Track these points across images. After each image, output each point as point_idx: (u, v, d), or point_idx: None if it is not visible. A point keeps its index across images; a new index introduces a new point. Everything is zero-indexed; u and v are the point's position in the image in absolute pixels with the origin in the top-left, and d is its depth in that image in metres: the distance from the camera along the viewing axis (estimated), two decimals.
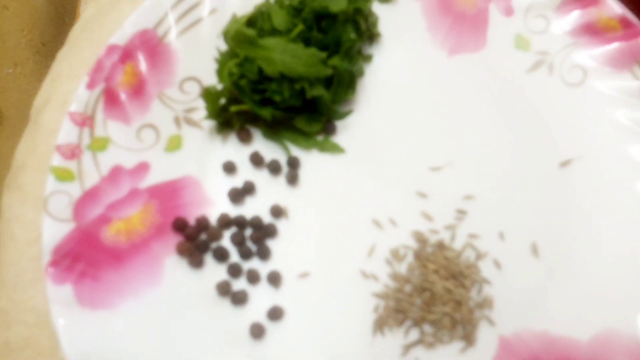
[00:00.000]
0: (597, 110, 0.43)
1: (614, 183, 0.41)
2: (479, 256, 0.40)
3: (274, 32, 0.40)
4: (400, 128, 0.44)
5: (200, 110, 0.43)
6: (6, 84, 0.65)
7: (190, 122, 0.43)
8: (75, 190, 0.40)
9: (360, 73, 0.44)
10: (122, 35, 0.44)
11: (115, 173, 0.41)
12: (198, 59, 0.45)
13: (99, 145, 0.41)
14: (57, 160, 0.40)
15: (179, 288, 0.38)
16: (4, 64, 0.65)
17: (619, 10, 0.44)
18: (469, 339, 0.37)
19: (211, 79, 0.44)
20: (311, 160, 0.43)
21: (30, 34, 0.66)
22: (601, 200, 0.41)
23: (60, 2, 0.71)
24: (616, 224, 0.40)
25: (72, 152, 0.40)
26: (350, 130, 0.44)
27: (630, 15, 0.44)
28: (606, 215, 0.40)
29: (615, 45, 0.44)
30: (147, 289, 0.38)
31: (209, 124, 0.43)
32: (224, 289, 0.39)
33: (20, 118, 0.63)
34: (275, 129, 0.43)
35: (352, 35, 0.42)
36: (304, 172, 0.43)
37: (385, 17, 0.47)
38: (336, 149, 0.43)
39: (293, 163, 0.42)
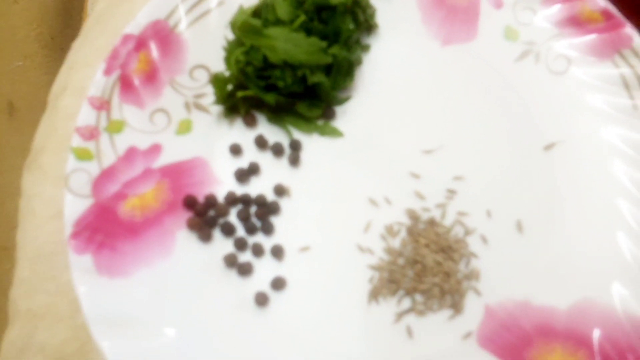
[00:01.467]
0: (579, 97, 0.46)
1: (593, 164, 0.44)
2: (467, 232, 0.43)
3: (278, 22, 0.43)
4: (395, 114, 0.47)
5: (209, 96, 0.46)
6: (16, 76, 0.67)
7: (200, 107, 0.46)
8: (94, 168, 0.43)
9: (359, 62, 0.47)
10: (136, 25, 0.47)
11: (130, 153, 0.44)
12: (207, 48, 0.48)
13: (116, 127, 0.44)
14: (76, 141, 0.43)
15: (189, 259, 0.41)
16: (14, 56, 0.67)
17: (602, 3, 0.47)
18: (456, 308, 0.41)
19: (219, 67, 0.47)
20: (312, 144, 0.46)
21: (39, 28, 0.68)
22: (581, 180, 0.44)
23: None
24: (595, 202, 0.43)
25: (90, 134, 0.43)
26: (348, 115, 0.47)
27: (612, 8, 0.47)
28: (586, 193, 0.43)
29: (597, 36, 0.47)
30: (160, 259, 0.41)
31: (217, 109, 0.46)
32: (231, 261, 0.42)
33: (30, 109, 0.66)
34: (279, 114, 0.46)
35: (351, 26, 0.44)
36: (305, 154, 0.46)
37: (382, 10, 0.50)
38: (335, 132, 0.46)
39: (295, 146, 0.46)
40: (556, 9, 0.48)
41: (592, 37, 0.47)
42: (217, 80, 0.44)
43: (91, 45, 0.53)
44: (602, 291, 0.40)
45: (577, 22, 0.47)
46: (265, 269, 0.42)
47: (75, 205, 0.41)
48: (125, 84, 0.45)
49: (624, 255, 0.41)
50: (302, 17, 0.43)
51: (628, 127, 0.44)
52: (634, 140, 0.44)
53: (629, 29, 0.46)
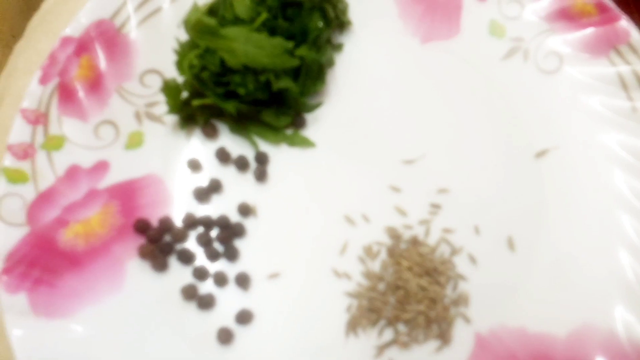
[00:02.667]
0: (573, 98, 0.42)
1: (590, 173, 0.40)
2: (454, 251, 0.39)
3: (237, 21, 0.38)
4: (372, 120, 0.42)
5: (163, 104, 0.41)
6: None
7: (152, 117, 0.41)
8: (28, 192, 0.38)
9: (330, 63, 0.43)
10: (76, 26, 0.41)
11: (72, 173, 0.39)
12: (159, 50, 0.42)
13: (54, 143, 0.39)
14: (8, 161, 0.38)
15: (141, 293, 0.37)
16: None
17: None
18: (444, 338, 0.36)
19: (173, 71, 0.41)
20: (280, 155, 0.41)
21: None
22: (577, 191, 0.40)
23: None
24: (593, 215, 0.39)
25: (25, 152, 0.38)
26: (320, 123, 0.42)
27: (607, 0, 0.43)
28: (583, 206, 0.39)
29: (591, 31, 0.43)
30: (107, 295, 0.36)
31: (172, 118, 0.41)
32: (189, 293, 0.37)
33: None
34: (242, 123, 0.41)
35: (320, 24, 0.40)
36: (272, 168, 0.41)
37: (356, 4, 0.45)
38: (306, 142, 0.41)
39: (261, 159, 0.41)
40: (546, 2, 0.44)
41: (586, 32, 0.43)
42: (168, 88, 0.39)
43: (33, 49, 0.48)
44: (603, 316, 0.36)
45: (568, 16, 0.43)
46: (229, 301, 0.37)
47: (8, 236, 0.36)
48: (65, 93, 0.40)
49: (627, 274, 0.37)
50: (265, 15, 0.38)
51: (627, 131, 0.40)
52: (634, 145, 0.40)
53: (625, 22, 0.42)
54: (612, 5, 0.42)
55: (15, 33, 0.67)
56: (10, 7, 0.65)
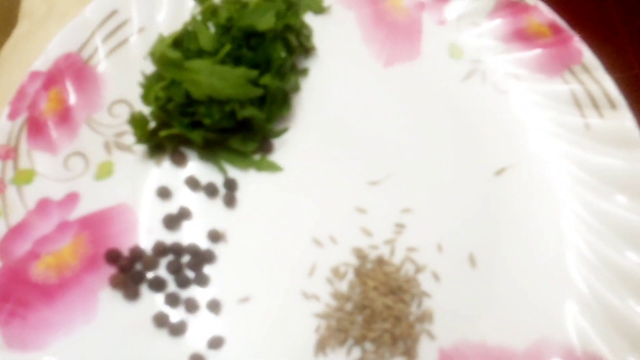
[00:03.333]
0: (529, 117, 0.43)
1: (547, 189, 0.41)
2: (418, 269, 0.40)
3: (201, 53, 0.39)
4: (337, 143, 0.43)
5: (132, 133, 0.42)
6: None
7: (122, 147, 0.42)
8: None
9: (295, 89, 0.44)
10: (45, 60, 0.42)
11: (43, 206, 0.39)
12: (127, 80, 0.43)
13: (24, 177, 0.40)
14: None
15: (114, 322, 0.37)
16: None
17: (549, 15, 0.45)
18: (410, 354, 0.38)
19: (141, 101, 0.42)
20: (249, 180, 0.42)
21: None
22: (535, 207, 0.41)
23: (7, 8, 0.68)
24: (549, 231, 0.40)
25: None
26: (287, 147, 0.43)
27: (560, 21, 0.44)
28: (540, 222, 0.41)
29: (545, 51, 0.44)
30: (81, 325, 0.37)
31: (141, 147, 0.42)
32: (161, 321, 0.38)
33: None
34: (211, 150, 0.42)
35: (282, 53, 0.41)
36: (241, 193, 0.42)
37: (320, 29, 0.46)
38: (273, 167, 0.42)
39: (230, 185, 0.42)
40: (501, 23, 0.45)
41: (540, 52, 0.44)
42: (135, 120, 0.39)
43: (5, 80, 0.48)
44: (558, 327, 0.37)
45: (524, 37, 0.45)
46: (200, 327, 0.38)
47: None
48: (34, 127, 0.41)
49: (578, 285, 0.38)
50: (228, 47, 0.39)
51: (581, 147, 0.42)
52: (588, 162, 0.41)
53: (578, 42, 0.44)
54: (566, 26, 0.44)
55: None
56: None
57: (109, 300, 0.38)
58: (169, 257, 0.40)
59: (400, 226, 0.41)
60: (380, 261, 0.40)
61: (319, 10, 0.46)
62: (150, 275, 0.39)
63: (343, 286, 0.40)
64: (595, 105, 0.42)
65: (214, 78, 0.38)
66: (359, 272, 0.40)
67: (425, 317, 0.39)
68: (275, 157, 0.43)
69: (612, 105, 0.42)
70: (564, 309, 0.38)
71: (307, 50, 0.45)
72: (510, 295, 0.39)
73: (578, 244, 0.39)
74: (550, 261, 0.39)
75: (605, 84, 0.42)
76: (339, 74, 0.45)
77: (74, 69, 0.42)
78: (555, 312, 0.38)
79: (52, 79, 0.42)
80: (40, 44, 0.48)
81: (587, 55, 0.43)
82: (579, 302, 0.38)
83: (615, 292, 0.38)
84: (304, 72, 0.45)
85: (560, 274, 0.39)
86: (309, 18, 0.46)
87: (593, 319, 0.37)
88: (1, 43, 0.66)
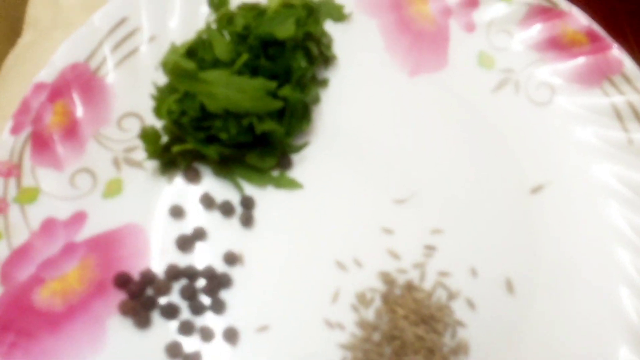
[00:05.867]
0: (567, 131, 0.41)
1: (587, 207, 0.39)
2: (451, 296, 0.37)
3: (217, 62, 0.37)
4: (361, 158, 0.41)
5: (142, 149, 0.39)
6: None
7: (131, 163, 0.39)
8: (1, 250, 0.35)
9: (316, 101, 0.41)
10: (50, 71, 0.40)
11: (48, 226, 0.37)
12: (137, 92, 0.41)
13: (28, 196, 0.37)
14: None
15: (124, 353, 0.35)
16: None
17: (585, 22, 0.42)
18: None
19: (152, 114, 0.40)
20: (267, 199, 0.39)
21: None
22: (574, 227, 0.38)
23: (14, 17, 0.67)
24: (591, 252, 0.37)
25: None
26: (307, 163, 0.40)
27: (597, 28, 0.42)
28: (581, 243, 0.38)
29: (582, 60, 0.41)
30: (88, 356, 0.34)
31: (153, 163, 0.40)
32: (174, 351, 0.35)
33: None
34: (226, 166, 0.40)
35: (303, 63, 0.38)
36: (259, 212, 0.39)
37: (340, 38, 0.44)
38: (293, 184, 0.40)
39: (247, 203, 0.39)
40: (535, 31, 0.42)
41: (577, 61, 0.41)
42: (146, 135, 0.37)
43: (9, 92, 0.46)
44: (606, 358, 0.34)
45: (559, 45, 0.42)
46: (216, 357, 0.35)
47: None
48: (39, 142, 0.38)
49: (629, 314, 0.35)
50: (245, 56, 0.36)
51: (624, 164, 0.39)
52: (631, 178, 0.38)
53: (617, 51, 0.41)
54: (604, 34, 0.41)
55: None
56: None
57: (118, 328, 0.35)
58: (183, 282, 0.37)
59: (430, 248, 0.38)
60: (409, 287, 0.37)
61: (340, 17, 0.44)
62: (162, 301, 0.36)
63: (369, 314, 0.37)
64: (638, 118, 0.39)
65: (230, 90, 0.36)
66: (387, 299, 0.37)
67: (460, 349, 0.36)
68: (295, 173, 0.40)
69: None
70: (611, 337, 0.35)
71: (327, 59, 0.43)
72: (552, 325, 0.36)
73: (623, 266, 0.36)
74: (595, 285, 0.36)
75: None
76: (361, 84, 0.43)
77: (81, 80, 0.40)
78: (601, 341, 0.35)
79: (57, 90, 0.39)
80: (45, 54, 0.46)
81: (628, 64, 0.40)
82: (627, 329, 0.35)
83: None
84: (324, 83, 0.42)
85: (609, 302, 0.36)
86: (329, 26, 0.44)
87: None
88: (5, 53, 0.64)
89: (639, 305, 0.35)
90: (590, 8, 0.42)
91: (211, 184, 0.40)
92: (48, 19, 0.51)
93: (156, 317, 0.36)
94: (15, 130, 0.38)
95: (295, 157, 0.41)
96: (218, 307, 0.36)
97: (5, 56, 0.63)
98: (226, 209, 0.39)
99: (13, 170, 0.37)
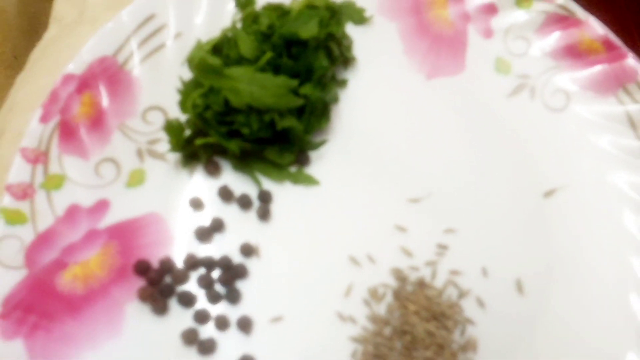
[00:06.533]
0: (581, 137, 0.41)
1: (600, 213, 0.39)
2: (462, 294, 0.38)
3: (241, 60, 0.38)
4: (377, 157, 0.42)
5: (165, 141, 0.41)
6: None
7: (154, 155, 0.41)
8: (27, 233, 0.37)
9: (335, 100, 0.42)
10: (79, 63, 0.41)
11: (72, 213, 0.38)
12: (162, 86, 0.42)
13: (54, 183, 0.38)
14: (7, 201, 0.37)
15: (141, 337, 0.36)
16: None
17: (602, 31, 0.43)
18: None
19: (176, 108, 0.41)
20: (284, 194, 0.40)
21: (1, 47, 0.63)
22: (587, 232, 0.39)
23: (33, 13, 0.68)
24: (603, 257, 0.38)
25: (24, 192, 0.37)
26: (324, 160, 0.41)
27: (614, 37, 0.42)
28: (593, 248, 0.38)
29: (598, 68, 0.42)
30: (106, 340, 0.35)
31: (174, 155, 0.41)
32: (190, 338, 0.36)
33: None
34: (246, 161, 0.41)
35: (325, 63, 0.39)
36: (276, 207, 0.40)
37: (360, 40, 0.45)
38: (310, 180, 0.41)
39: (264, 197, 0.40)
40: (552, 39, 0.43)
41: (593, 69, 0.42)
42: (171, 127, 0.38)
43: (34, 84, 0.47)
44: None
45: (575, 53, 0.43)
46: (230, 346, 0.36)
47: (5, 279, 0.35)
48: (66, 131, 0.39)
49: (639, 319, 0.36)
50: (269, 54, 0.37)
51: (637, 171, 0.39)
52: None
53: (632, 60, 0.41)
54: (620, 43, 0.42)
55: (18, 54, 0.67)
56: (12, 28, 0.65)
57: (136, 314, 0.36)
58: (200, 271, 0.38)
59: (442, 247, 0.39)
60: (421, 284, 0.38)
61: (361, 20, 0.45)
62: (180, 289, 0.37)
63: (381, 309, 0.38)
64: None
65: (253, 86, 0.37)
66: (399, 295, 0.38)
67: (469, 346, 0.36)
68: (312, 170, 0.41)
69: None
70: (621, 341, 0.35)
71: (347, 60, 0.44)
72: (560, 327, 0.36)
73: (635, 272, 0.37)
74: (606, 290, 0.37)
75: None
76: (379, 86, 0.44)
77: (109, 73, 0.41)
78: (611, 344, 0.35)
79: (85, 82, 0.41)
80: (70, 49, 0.47)
81: None
82: (637, 335, 0.35)
83: None
84: (343, 83, 0.43)
85: (617, 304, 0.36)
86: (350, 28, 0.45)
87: None
88: (28, 47, 0.66)
89: None
90: (602, 18, 0.43)
91: (230, 177, 0.41)
92: (74, 15, 0.52)
93: (173, 304, 0.37)
94: (44, 119, 0.39)
95: (313, 154, 0.42)
96: (233, 296, 0.37)
97: (24, 50, 0.65)
98: (244, 202, 0.40)
99: (40, 157, 0.38)
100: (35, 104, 0.45)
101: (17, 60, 0.67)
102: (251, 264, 0.39)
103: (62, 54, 0.48)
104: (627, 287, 0.37)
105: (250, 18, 0.40)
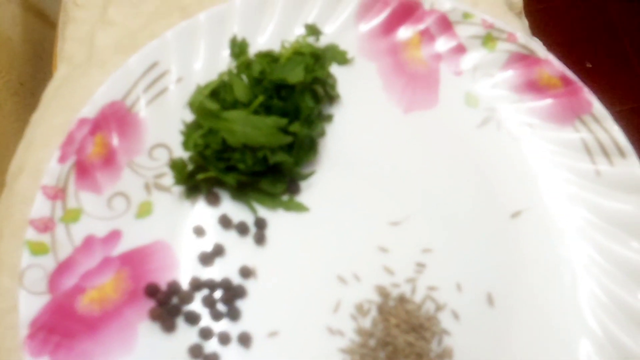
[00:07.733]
0: (543, 163, 0.46)
1: (560, 232, 0.44)
2: (438, 308, 0.42)
3: (236, 103, 0.43)
4: (360, 185, 0.46)
5: (170, 175, 0.45)
6: None
7: (160, 188, 0.45)
8: (49, 263, 0.41)
9: (321, 134, 0.47)
10: (91, 107, 0.46)
11: (88, 243, 0.42)
12: (166, 126, 0.47)
13: (72, 216, 0.43)
14: (31, 234, 0.41)
15: (152, 353, 0.40)
16: None
17: (560, 68, 0.48)
18: None
19: (179, 144, 0.46)
20: (277, 220, 0.45)
21: (7, 75, 0.65)
22: (550, 249, 0.43)
23: (38, 41, 0.72)
24: (564, 272, 0.42)
25: (45, 226, 0.42)
26: (313, 189, 0.46)
27: (570, 73, 0.47)
28: (555, 264, 0.43)
29: (557, 101, 0.47)
30: (121, 356, 0.39)
31: (179, 188, 0.45)
32: (196, 352, 0.40)
33: (0, 159, 0.64)
34: (242, 191, 0.45)
35: (310, 103, 0.44)
36: (270, 232, 0.45)
37: (343, 78, 0.49)
38: (301, 208, 0.45)
39: (260, 224, 0.45)
40: (514, 75, 0.48)
41: (552, 102, 0.47)
42: (175, 165, 0.43)
43: (49, 122, 0.52)
44: None
45: (536, 88, 0.48)
46: (232, 359, 0.40)
47: (31, 304, 0.39)
48: (82, 170, 0.44)
49: (592, 326, 0.40)
50: (261, 98, 0.42)
51: (592, 193, 0.44)
52: (599, 206, 0.44)
53: (587, 94, 0.46)
54: (575, 78, 0.47)
55: (23, 80, 0.70)
56: (17, 56, 0.68)
57: (148, 332, 0.40)
58: (204, 292, 0.42)
59: (420, 265, 0.44)
60: (402, 299, 0.42)
61: (344, 61, 0.50)
62: (186, 308, 0.42)
63: (366, 323, 0.42)
64: (605, 153, 0.45)
65: (248, 127, 0.41)
66: (382, 310, 0.42)
67: (445, 354, 0.41)
68: (302, 198, 0.46)
69: (622, 153, 0.44)
70: (578, 348, 0.40)
71: (332, 98, 0.49)
72: (526, 334, 0.41)
73: (591, 286, 0.41)
74: (565, 302, 0.41)
75: (614, 133, 0.45)
76: (361, 120, 0.48)
77: (118, 116, 0.46)
78: (570, 351, 0.40)
79: (98, 125, 0.45)
80: (82, 89, 0.52)
81: (597, 105, 0.46)
82: (593, 342, 0.40)
83: (628, 333, 0.39)
84: (328, 118, 0.48)
85: (575, 315, 0.41)
86: (334, 68, 0.50)
87: (606, 358, 0.39)
88: (34, 74, 0.69)
89: (607, 322, 0.40)
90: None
91: (229, 206, 0.45)
92: (83, 56, 0.57)
93: (181, 322, 0.41)
94: (62, 159, 0.44)
95: (303, 184, 0.46)
96: (234, 314, 0.42)
97: (30, 77, 0.68)
98: (242, 229, 0.44)
99: (59, 193, 0.43)
100: (50, 142, 0.49)
101: (23, 87, 0.70)
102: (249, 284, 0.43)
103: (75, 95, 0.52)
104: (583, 298, 0.41)
105: (244, 65, 0.45)
